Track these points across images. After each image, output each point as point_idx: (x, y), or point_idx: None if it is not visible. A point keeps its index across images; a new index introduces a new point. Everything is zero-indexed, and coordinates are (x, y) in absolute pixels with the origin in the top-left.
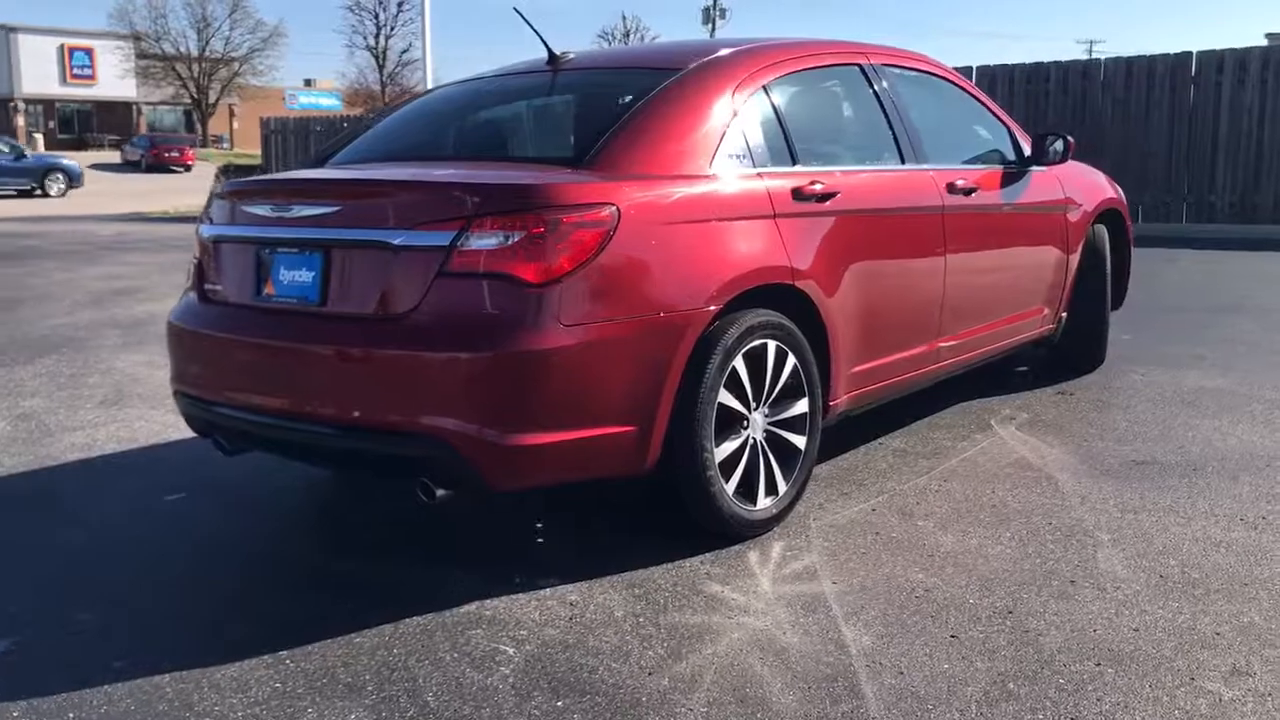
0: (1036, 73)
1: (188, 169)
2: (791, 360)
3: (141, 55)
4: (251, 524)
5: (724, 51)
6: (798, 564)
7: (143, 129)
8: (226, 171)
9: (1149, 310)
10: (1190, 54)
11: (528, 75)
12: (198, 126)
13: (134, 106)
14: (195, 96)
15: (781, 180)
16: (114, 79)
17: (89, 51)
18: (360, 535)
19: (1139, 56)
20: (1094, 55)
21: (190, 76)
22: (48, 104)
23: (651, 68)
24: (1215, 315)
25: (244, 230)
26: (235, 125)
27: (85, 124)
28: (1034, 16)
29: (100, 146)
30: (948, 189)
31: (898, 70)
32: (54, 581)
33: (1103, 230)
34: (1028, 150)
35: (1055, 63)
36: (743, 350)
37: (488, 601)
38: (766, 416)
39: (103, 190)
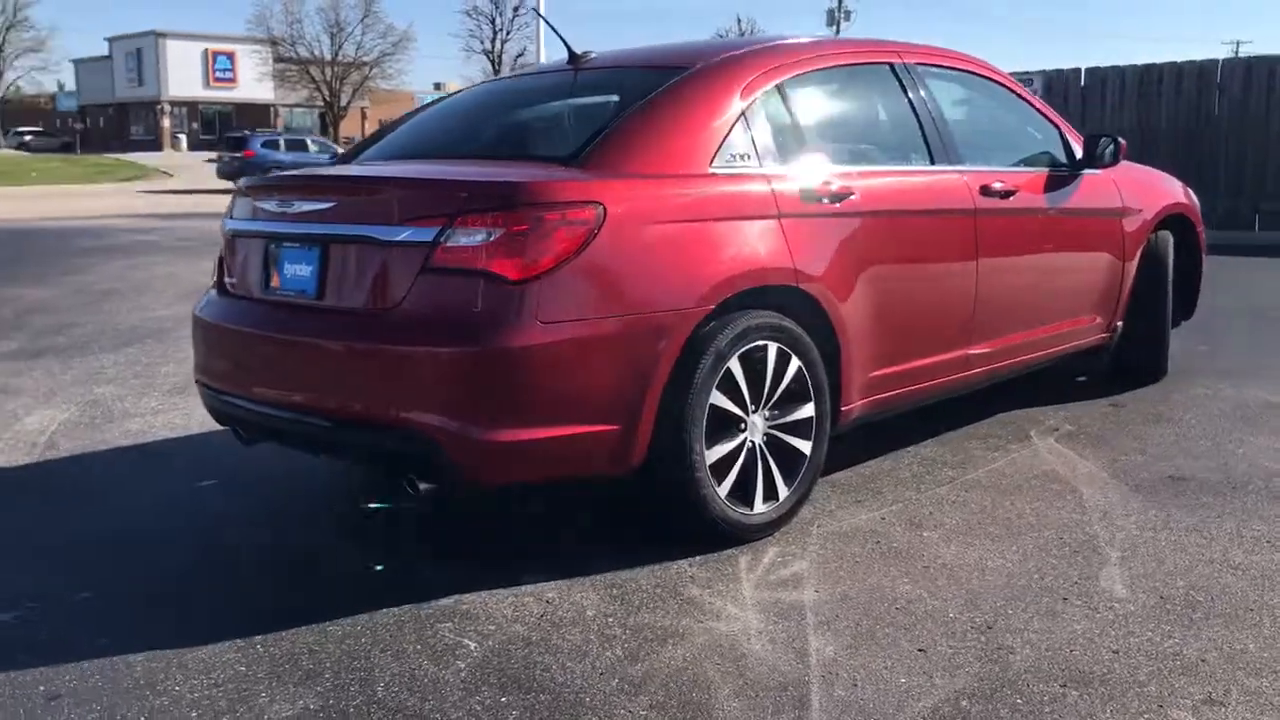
0: (1148, 74)
1: None
2: (795, 363)
3: (278, 59)
4: (266, 513)
5: (735, 51)
6: (786, 570)
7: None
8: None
9: (1237, 321)
10: None
11: (550, 74)
12: (329, 128)
13: (271, 108)
14: (328, 99)
15: (790, 181)
16: (252, 82)
17: (230, 56)
18: (366, 527)
19: (1259, 56)
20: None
21: (323, 80)
22: (191, 106)
23: (663, 66)
24: None
25: (256, 225)
26: (366, 127)
27: (226, 125)
28: (1179, 18)
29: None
30: (982, 191)
31: (936, 70)
32: (68, 562)
33: (1166, 237)
34: (1080, 154)
35: (1169, 63)
36: (739, 352)
37: (466, 596)
38: (767, 420)
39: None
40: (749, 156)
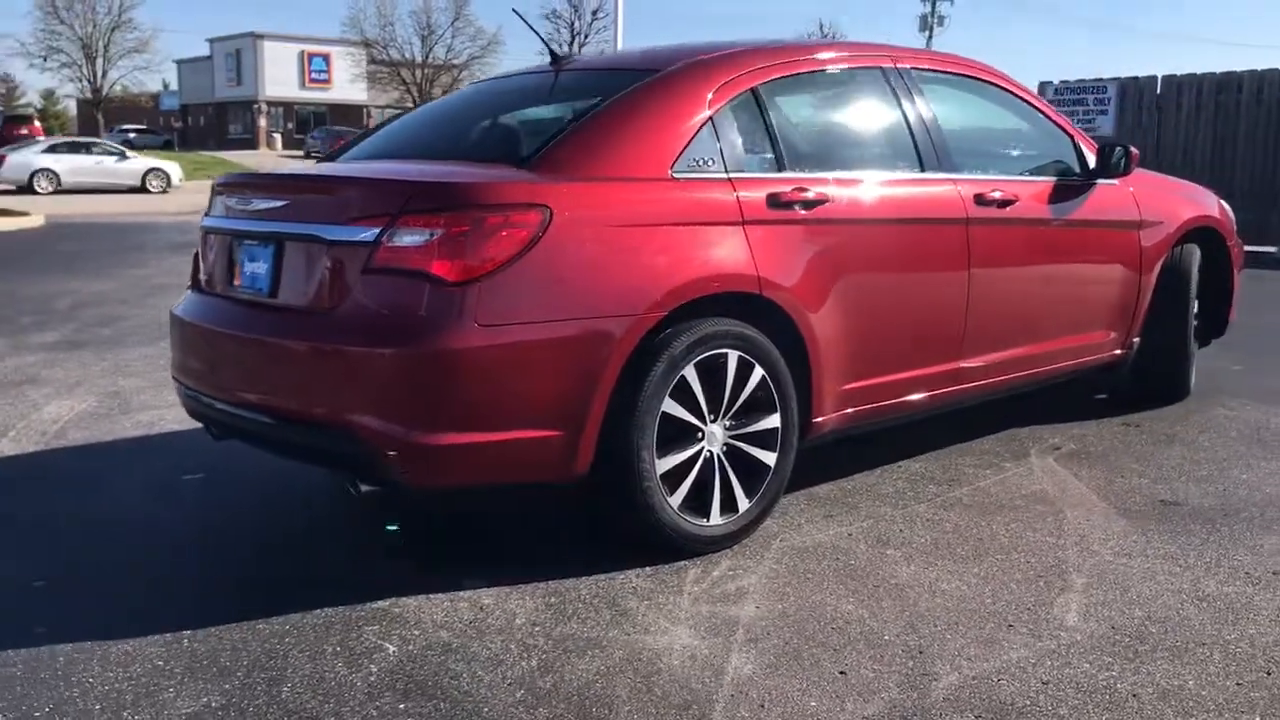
0: (1227, 82)
1: None
2: (759, 372)
3: (371, 61)
4: (239, 508)
5: (709, 54)
6: (732, 585)
7: None
8: None
9: None
10: None
11: (533, 77)
12: None
13: (364, 109)
14: (418, 101)
15: (758, 187)
16: (346, 83)
17: (326, 57)
18: (332, 526)
19: None
20: None
21: (414, 81)
22: (287, 106)
23: (635, 69)
24: None
25: (224, 223)
26: None
27: (320, 125)
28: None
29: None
30: (976, 201)
31: (936, 75)
32: (32, 550)
33: (1191, 251)
34: (1094, 163)
35: (1250, 71)
36: (695, 359)
37: (404, 599)
38: (728, 430)
39: None
40: (714, 161)
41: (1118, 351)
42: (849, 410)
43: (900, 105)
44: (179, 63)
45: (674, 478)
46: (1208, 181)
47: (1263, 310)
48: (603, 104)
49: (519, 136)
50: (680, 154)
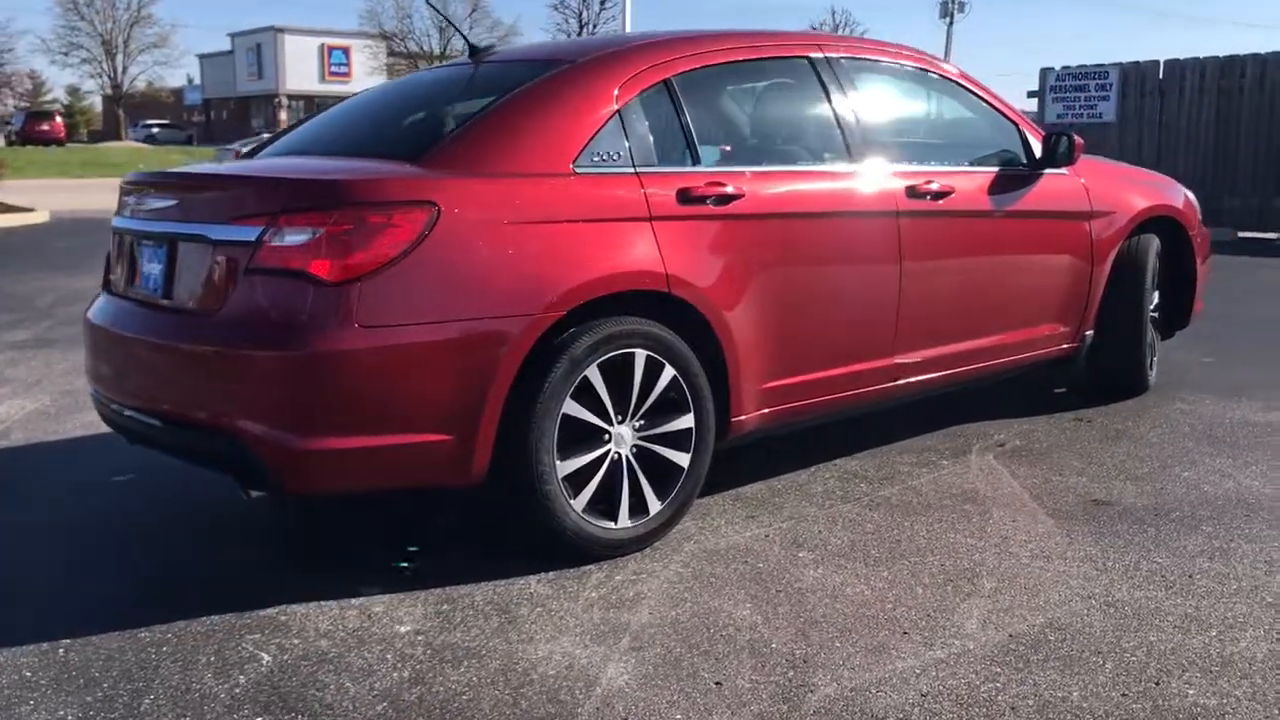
0: (1230, 66)
1: None
2: (669, 372)
3: (390, 53)
4: (155, 511)
5: (618, 46)
6: (632, 590)
7: None
8: None
9: (1262, 331)
10: None
11: (451, 70)
12: None
13: None
14: None
15: (667, 182)
16: (365, 75)
17: (345, 50)
18: (247, 531)
19: None
20: None
21: None
22: (308, 99)
23: (546, 61)
24: None
25: (128, 223)
26: None
27: None
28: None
29: None
30: (908, 193)
31: (870, 64)
32: None
33: (1147, 241)
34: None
35: (1252, 55)
36: (599, 360)
37: (295, 606)
38: (637, 431)
39: None
40: (620, 156)
41: (1068, 345)
42: (773, 409)
43: (828, 96)
44: (201, 57)
45: (579, 480)
46: (1211, 167)
47: (1252, 301)
48: (503, 98)
49: (419, 132)
50: (583, 148)
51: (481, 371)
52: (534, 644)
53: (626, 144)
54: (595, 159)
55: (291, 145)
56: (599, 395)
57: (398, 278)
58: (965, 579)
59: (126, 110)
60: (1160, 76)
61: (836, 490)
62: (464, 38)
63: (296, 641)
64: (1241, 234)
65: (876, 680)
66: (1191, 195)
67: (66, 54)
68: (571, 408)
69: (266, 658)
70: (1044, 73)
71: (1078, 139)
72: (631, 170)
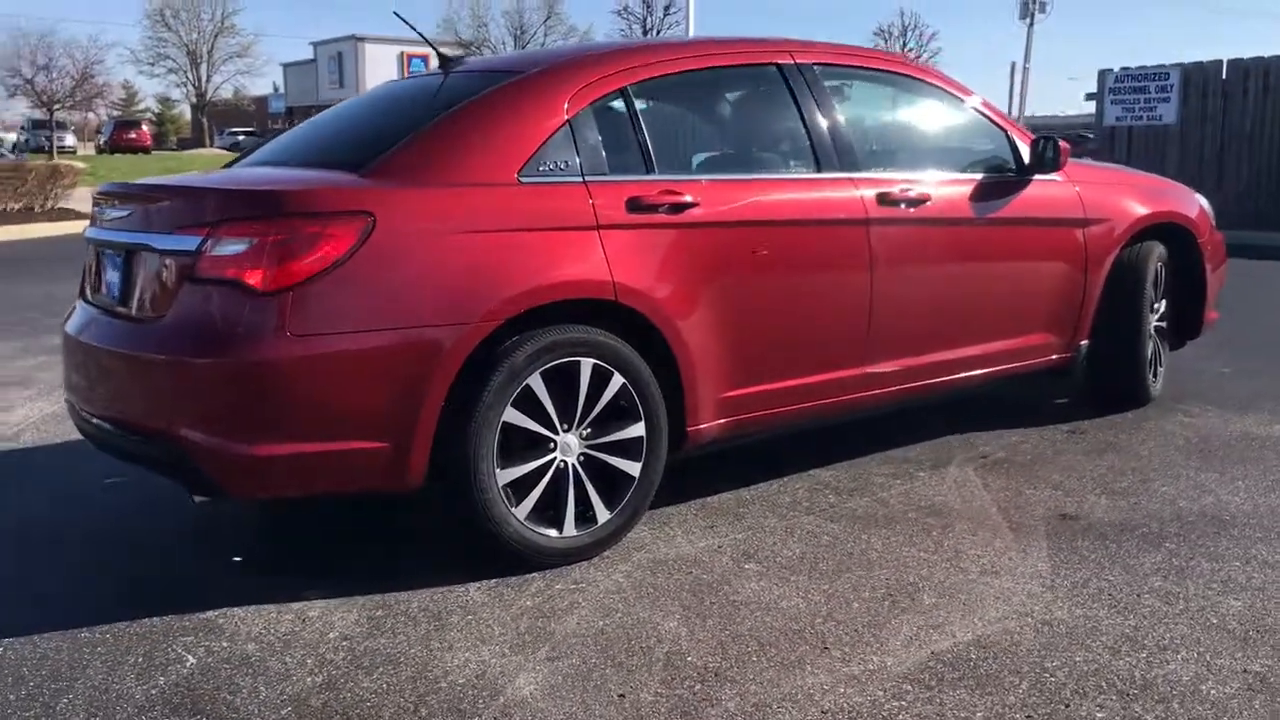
0: (1234, 70)
1: None
2: (618, 380)
3: None
4: (137, 511)
5: (572, 55)
6: (567, 600)
7: None
8: None
9: None
10: None
11: (420, 80)
12: None
13: None
14: None
15: (617, 191)
16: None
17: (424, 59)
18: (216, 532)
19: None
20: None
21: None
22: None
23: (504, 72)
24: None
25: (97, 233)
26: None
27: None
28: None
29: None
30: (880, 200)
31: (845, 71)
32: None
33: (1147, 250)
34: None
35: (1256, 59)
36: (542, 368)
37: (235, 609)
38: (584, 439)
39: None
40: (569, 166)
41: (1059, 355)
42: (733, 418)
43: (796, 103)
44: (285, 66)
45: (522, 488)
46: (1276, 170)
47: None
48: (453, 109)
49: (371, 142)
50: (529, 159)
51: (414, 379)
52: (453, 652)
53: (576, 154)
54: (542, 169)
55: (263, 155)
56: (542, 403)
57: (331, 287)
58: (906, 594)
59: (211, 118)
60: (1224, 77)
61: (804, 501)
62: (435, 50)
63: (225, 644)
64: None
65: (781, 696)
66: (1205, 202)
67: (153, 64)
68: (513, 415)
69: (191, 660)
70: (1102, 74)
71: (1064, 144)
72: (580, 180)
